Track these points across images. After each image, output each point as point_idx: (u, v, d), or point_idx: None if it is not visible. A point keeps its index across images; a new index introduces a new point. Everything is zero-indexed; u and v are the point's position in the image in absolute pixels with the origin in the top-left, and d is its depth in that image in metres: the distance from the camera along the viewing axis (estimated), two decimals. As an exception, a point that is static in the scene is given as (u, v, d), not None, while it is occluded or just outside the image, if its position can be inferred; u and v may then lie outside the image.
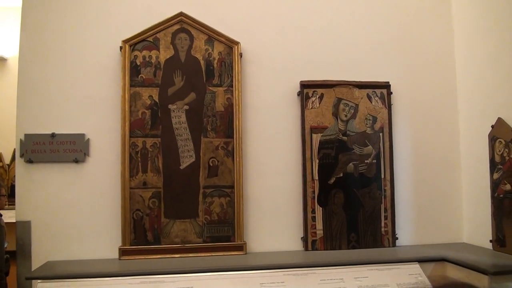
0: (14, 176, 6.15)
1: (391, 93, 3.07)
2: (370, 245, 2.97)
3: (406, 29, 3.21)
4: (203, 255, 2.79)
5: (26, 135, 2.82)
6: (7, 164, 6.25)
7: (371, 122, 3.02)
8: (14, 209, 6.01)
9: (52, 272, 2.54)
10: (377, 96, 3.04)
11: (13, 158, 6.21)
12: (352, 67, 3.09)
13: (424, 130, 3.17)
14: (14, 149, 5.97)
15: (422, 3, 3.25)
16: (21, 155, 2.83)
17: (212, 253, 2.80)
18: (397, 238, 3.03)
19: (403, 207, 3.09)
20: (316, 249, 2.92)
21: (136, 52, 2.84)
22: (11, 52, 6.38)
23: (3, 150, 6.17)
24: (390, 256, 2.81)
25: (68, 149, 2.83)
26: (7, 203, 6.13)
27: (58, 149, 2.82)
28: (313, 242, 2.93)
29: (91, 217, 2.82)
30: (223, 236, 2.84)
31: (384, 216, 3.00)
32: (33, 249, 2.80)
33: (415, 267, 2.67)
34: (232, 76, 2.90)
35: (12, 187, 6.24)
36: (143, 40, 2.85)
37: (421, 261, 2.71)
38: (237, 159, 2.86)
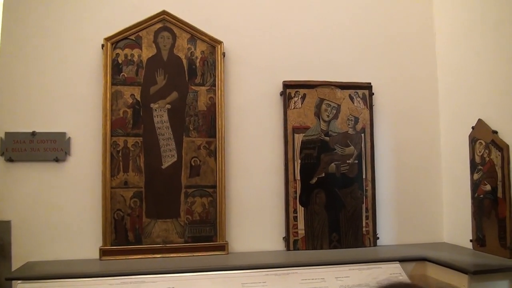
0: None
1: (373, 94, 3.10)
2: (351, 245, 2.99)
3: (387, 30, 3.23)
4: (184, 255, 2.77)
5: (6, 133, 2.78)
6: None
7: (353, 122, 3.03)
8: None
9: (33, 273, 2.51)
10: (359, 97, 3.06)
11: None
12: (335, 68, 3.10)
13: (405, 130, 3.20)
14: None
15: (404, 4, 3.28)
16: (1, 154, 2.78)
17: (193, 253, 2.79)
18: (378, 238, 3.05)
19: (384, 207, 3.12)
20: (298, 249, 2.93)
21: (118, 50, 2.82)
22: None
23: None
24: (371, 255, 2.83)
25: (48, 148, 2.79)
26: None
27: (38, 147, 2.79)
28: (295, 242, 2.94)
29: (72, 217, 2.79)
30: (205, 236, 2.83)
31: (366, 216, 3.02)
32: (13, 249, 2.75)
33: (396, 266, 2.69)
34: (215, 76, 2.89)
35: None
36: (125, 38, 2.83)
37: (402, 260, 2.73)
38: (219, 159, 2.85)
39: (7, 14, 2.84)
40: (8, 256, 2.76)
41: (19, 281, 2.42)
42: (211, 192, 2.85)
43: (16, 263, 2.72)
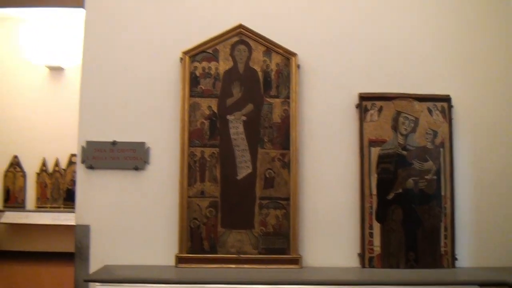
0: (70, 180, 6.47)
1: (452, 106, 2.97)
2: (428, 265, 2.85)
3: (467, 41, 3.09)
4: (258, 267, 2.78)
5: (88, 142, 2.92)
6: (63, 169, 6.53)
7: (431, 136, 2.92)
8: (71, 212, 6.31)
9: (110, 276, 2.61)
10: (438, 110, 2.95)
11: (69, 163, 6.48)
12: (412, 79, 3.01)
13: (487, 145, 3.03)
14: (70, 154, 6.32)
15: (485, 14, 3.13)
16: (83, 161, 2.92)
17: (267, 266, 2.78)
18: (456, 259, 2.90)
19: (463, 226, 2.96)
20: (373, 267, 2.84)
21: (195, 63, 2.89)
22: (69, 62, 6.69)
23: (60, 155, 6.45)
24: (450, 277, 2.71)
25: (128, 157, 2.90)
26: (62, 206, 6.44)
27: (118, 156, 2.91)
28: (370, 259, 2.85)
29: (149, 224, 2.88)
30: (278, 249, 2.81)
31: (444, 235, 2.88)
32: (91, 252, 2.89)
33: (475, 291, 2.55)
34: (289, 88, 2.89)
35: (68, 191, 6.52)
36: (203, 51, 2.90)
37: (482, 284, 2.56)
38: (293, 171, 2.84)
39: (89, 29, 3.01)
40: (85, 259, 2.89)
41: (97, 284, 2.52)
42: (285, 204, 2.83)
43: (94, 266, 2.84)
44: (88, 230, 2.89)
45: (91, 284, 2.70)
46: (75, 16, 6.34)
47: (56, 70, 6.74)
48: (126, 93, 2.95)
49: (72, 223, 6.16)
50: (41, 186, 6.58)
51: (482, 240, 2.98)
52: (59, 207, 6.50)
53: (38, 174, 6.57)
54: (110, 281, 2.55)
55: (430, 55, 3.07)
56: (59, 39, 6.69)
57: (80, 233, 2.90)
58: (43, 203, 6.56)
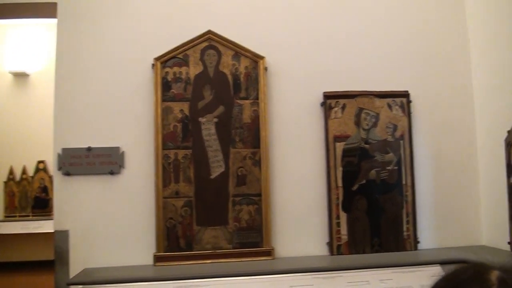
0: (38, 187, 6.40)
1: (411, 101, 3.18)
2: (392, 249, 3.06)
3: (423, 39, 3.31)
4: (233, 260, 2.90)
5: (63, 149, 2.97)
6: (31, 176, 6.42)
7: (391, 130, 3.12)
8: (40, 220, 6.22)
9: (92, 278, 2.68)
10: (397, 105, 3.15)
11: (36, 171, 6.40)
12: (373, 77, 3.20)
13: (443, 136, 3.26)
14: (38, 161, 6.25)
15: (438, 12, 3.36)
16: (59, 168, 2.97)
17: (242, 259, 2.91)
18: (418, 242, 3.12)
19: (424, 212, 3.18)
20: (341, 254, 3.03)
21: (167, 69, 2.99)
22: (33, 68, 6.60)
23: (27, 163, 6.36)
24: (413, 259, 2.91)
25: (104, 162, 2.97)
26: (30, 214, 6.35)
27: (94, 162, 2.97)
28: (338, 246, 3.04)
29: (126, 226, 2.96)
30: (252, 242, 2.95)
31: (406, 221, 3.10)
32: (71, 257, 2.93)
33: (437, 269, 2.76)
34: (258, 89, 3.03)
35: (36, 199, 6.42)
36: (174, 57, 3.00)
37: (442, 263, 2.78)
38: (264, 168, 2.98)
39: (61, 37, 3.05)
40: (65, 264, 2.93)
41: (79, 286, 2.58)
42: (257, 200, 2.97)
43: (74, 270, 2.88)
44: (67, 235, 2.94)
45: (74, 287, 2.76)
46: (37, 23, 6.28)
47: (20, 76, 6.64)
48: (100, 99, 3.01)
49: (42, 230, 6.11)
50: (9, 195, 6.46)
51: (441, 223, 3.22)
52: (27, 215, 6.40)
53: (6, 183, 6.45)
54: (92, 283, 2.61)
55: (389, 53, 3.27)
56: (22, 45, 6.61)
57: (59, 238, 2.94)
58: (11, 212, 6.45)
